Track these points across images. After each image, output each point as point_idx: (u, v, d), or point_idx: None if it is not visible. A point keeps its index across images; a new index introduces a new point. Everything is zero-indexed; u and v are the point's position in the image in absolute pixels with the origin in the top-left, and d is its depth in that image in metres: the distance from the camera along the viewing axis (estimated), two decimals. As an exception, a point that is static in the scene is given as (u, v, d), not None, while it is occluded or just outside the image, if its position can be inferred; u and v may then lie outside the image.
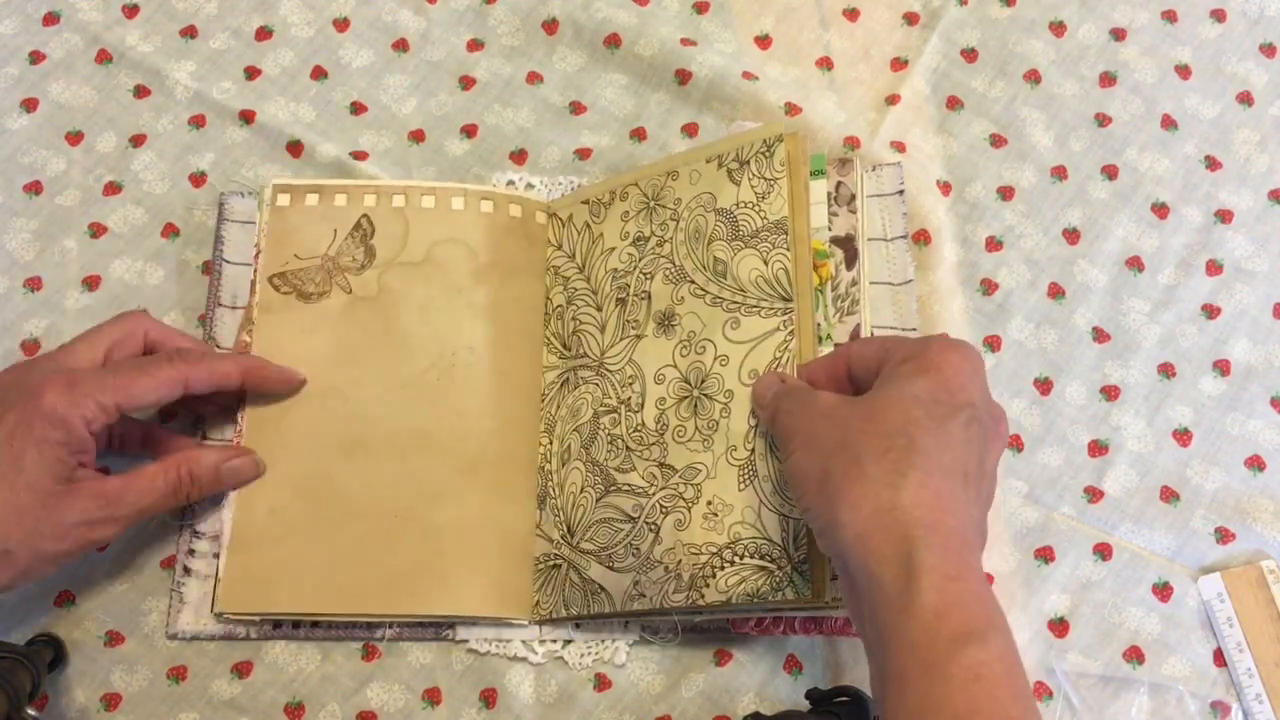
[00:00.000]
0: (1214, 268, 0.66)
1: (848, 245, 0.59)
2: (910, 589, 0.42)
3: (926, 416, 0.46)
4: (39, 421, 0.51)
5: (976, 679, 0.41)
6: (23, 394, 0.52)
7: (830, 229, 0.59)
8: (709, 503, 0.54)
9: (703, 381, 0.56)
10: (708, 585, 0.53)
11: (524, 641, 0.59)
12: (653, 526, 0.55)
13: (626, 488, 0.57)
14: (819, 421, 0.48)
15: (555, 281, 0.63)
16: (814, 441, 0.48)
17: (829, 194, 0.60)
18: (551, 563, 0.58)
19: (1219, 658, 0.60)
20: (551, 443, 0.60)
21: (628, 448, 0.57)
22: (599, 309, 0.61)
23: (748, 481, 0.54)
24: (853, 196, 0.59)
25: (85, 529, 0.53)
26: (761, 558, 0.52)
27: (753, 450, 0.54)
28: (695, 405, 0.56)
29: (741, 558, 0.53)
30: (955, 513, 0.44)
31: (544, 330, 0.63)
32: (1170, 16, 0.70)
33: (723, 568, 0.53)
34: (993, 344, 0.64)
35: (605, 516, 0.57)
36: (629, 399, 0.58)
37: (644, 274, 0.59)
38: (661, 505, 0.56)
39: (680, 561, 0.54)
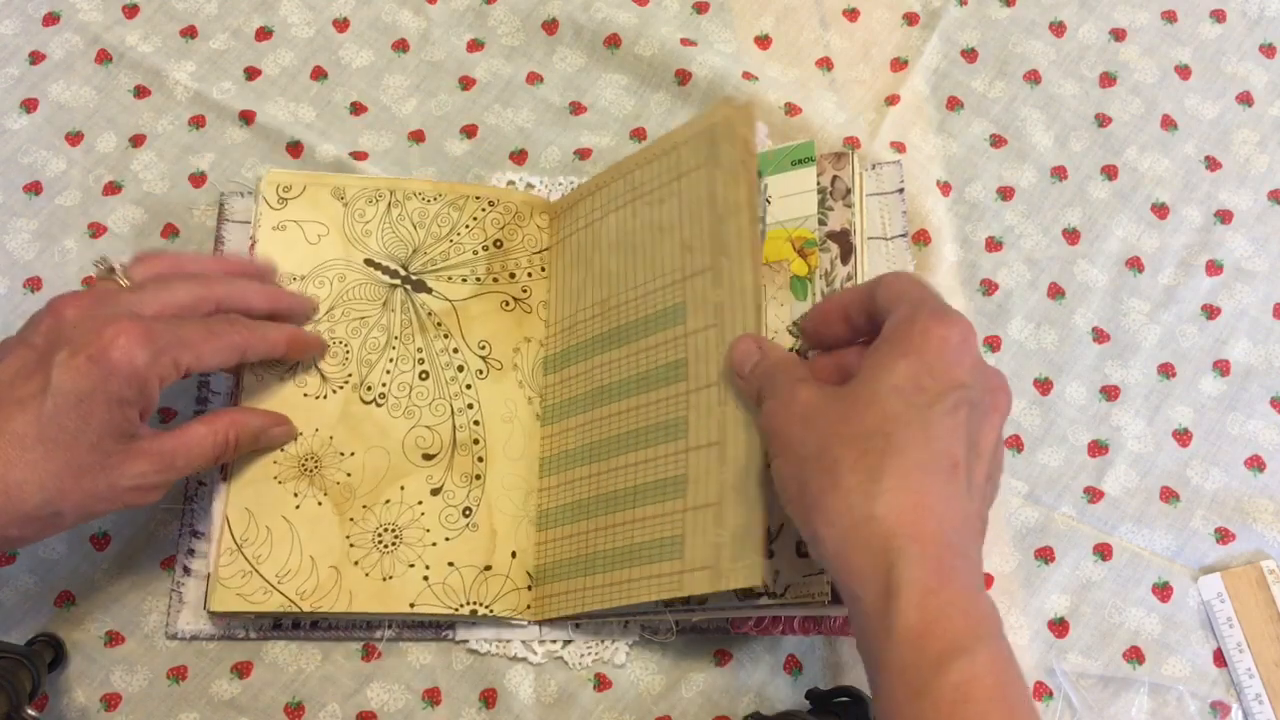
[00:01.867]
0: (1214, 268, 0.66)
1: (843, 240, 0.59)
2: (890, 610, 0.40)
3: (906, 408, 0.43)
4: (114, 378, 0.48)
5: (965, 699, 0.39)
6: (94, 335, 0.48)
7: (826, 223, 0.59)
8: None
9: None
10: None
11: (524, 641, 0.59)
12: None
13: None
14: (795, 426, 0.45)
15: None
16: (791, 448, 0.45)
17: (825, 189, 0.59)
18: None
19: (1219, 658, 0.60)
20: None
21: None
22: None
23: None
24: (848, 191, 0.59)
25: (136, 492, 0.51)
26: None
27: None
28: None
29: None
30: (937, 513, 0.42)
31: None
32: (1170, 16, 0.70)
33: None
34: (993, 344, 0.64)
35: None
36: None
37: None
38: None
39: None
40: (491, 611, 0.57)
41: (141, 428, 0.51)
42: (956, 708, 0.39)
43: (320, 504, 0.58)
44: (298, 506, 0.58)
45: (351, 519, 0.58)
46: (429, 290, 0.62)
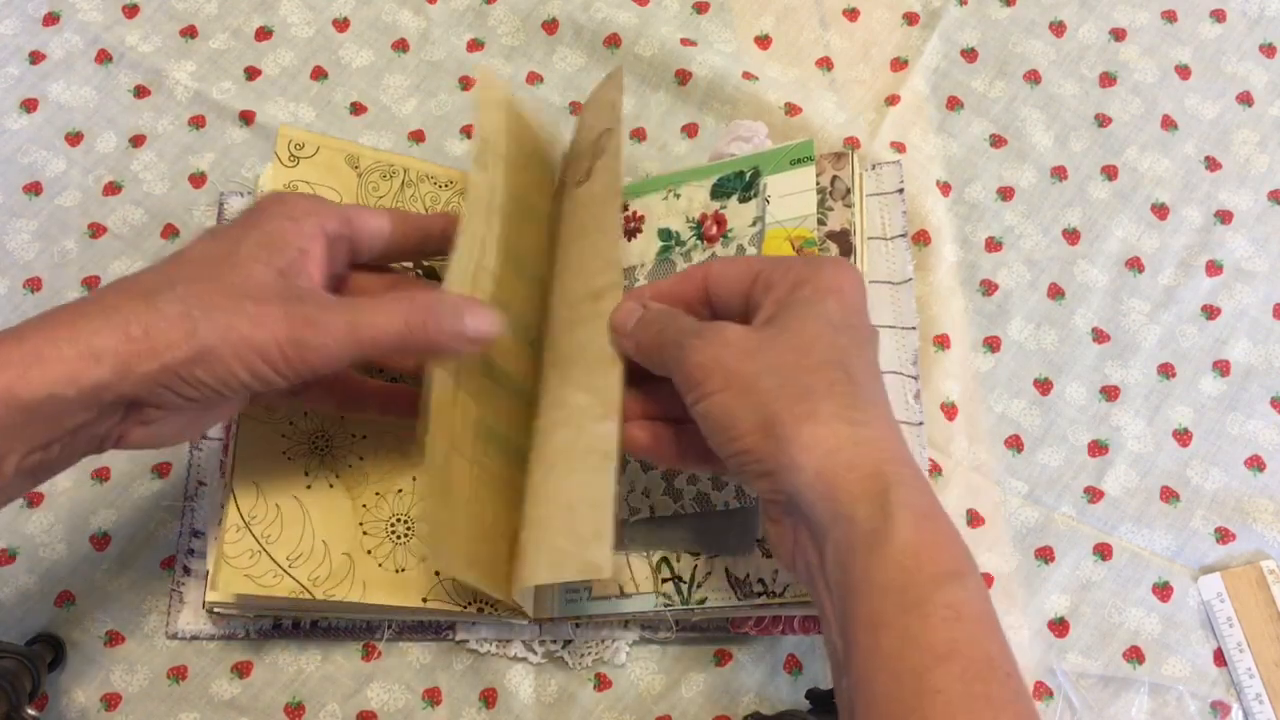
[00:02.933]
0: (1214, 268, 0.66)
1: (842, 240, 0.59)
2: (886, 528, 0.40)
3: (851, 342, 0.44)
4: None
5: (957, 618, 0.39)
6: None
7: (825, 223, 0.59)
8: None
9: None
10: None
11: (524, 641, 0.59)
12: None
13: None
14: (741, 360, 0.44)
15: None
16: (740, 382, 0.44)
17: (824, 189, 0.59)
18: None
19: (1219, 658, 0.60)
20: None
21: None
22: None
23: None
24: (848, 190, 0.59)
25: (309, 328, 0.45)
26: None
27: None
28: None
29: None
30: (904, 443, 0.43)
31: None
32: (1170, 16, 0.70)
33: None
34: (993, 344, 0.64)
35: None
36: None
37: None
38: None
39: None
40: (495, 611, 0.57)
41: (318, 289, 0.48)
42: (949, 624, 0.39)
43: (332, 486, 0.57)
44: (309, 486, 0.56)
45: (364, 505, 0.57)
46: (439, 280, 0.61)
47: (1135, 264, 0.66)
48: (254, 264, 0.46)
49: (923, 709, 0.38)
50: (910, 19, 0.71)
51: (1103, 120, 0.68)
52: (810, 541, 0.43)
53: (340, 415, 0.58)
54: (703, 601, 0.54)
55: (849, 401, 0.42)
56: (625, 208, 0.63)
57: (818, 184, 0.59)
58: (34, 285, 0.65)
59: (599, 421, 0.49)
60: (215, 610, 0.57)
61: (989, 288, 0.65)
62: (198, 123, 0.68)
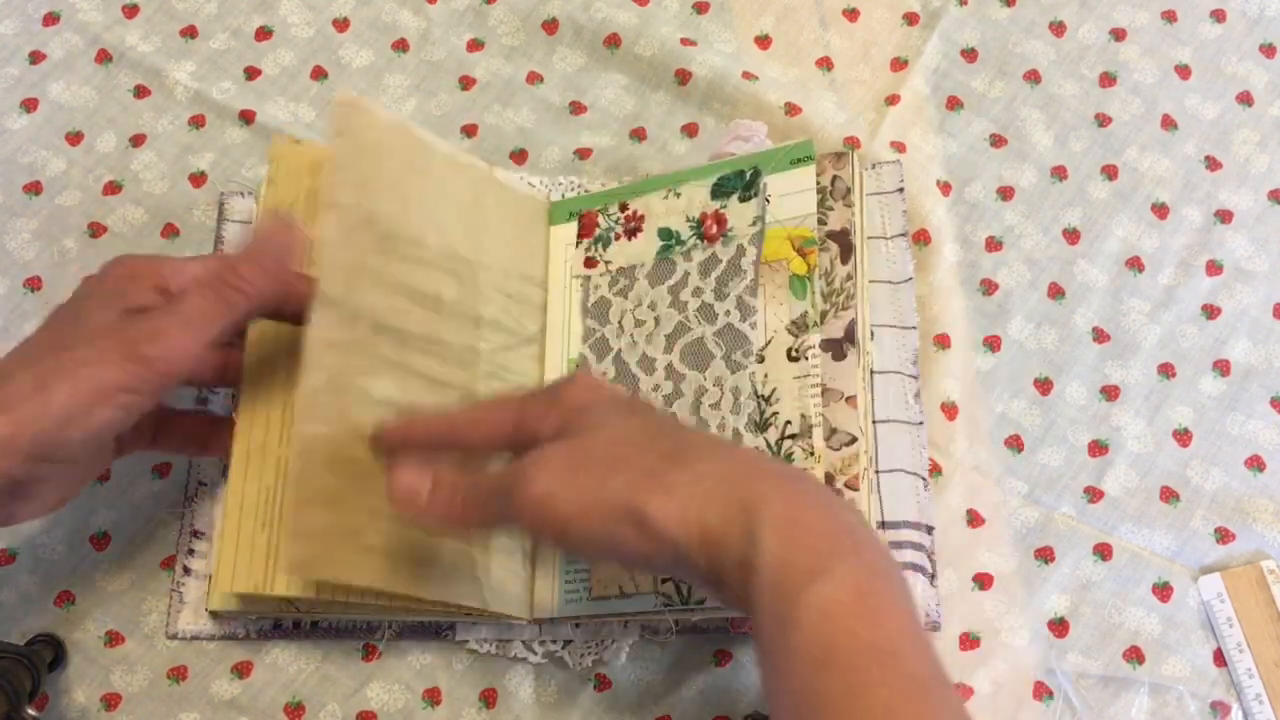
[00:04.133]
0: (1214, 268, 0.66)
1: (843, 240, 0.59)
2: (754, 551, 0.39)
3: (642, 420, 0.45)
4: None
5: (826, 618, 0.38)
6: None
7: (826, 223, 0.59)
8: None
9: None
10: None
11: (524, 641, 0.59)
12: None
13: None
14: (575, 473, 0.43)
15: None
16: (588, 495, 0.43)
17: (825, 188, 0.59)
18: None
19: (1219, 658, 0.60)
20: None
21: None
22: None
23: None
24: (848, 190, 0.59)
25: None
26: None
27: None
28: None
29: None
30: (762, 460, 0.44)
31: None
32: (1170, 16, 0.70)
33: None
34: (993, 344, 0.64)
35: None
36: None
37: None
38: None
39: None
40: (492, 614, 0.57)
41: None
42: (820, 629, 0.38)
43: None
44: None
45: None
46: None
47: (1135, 264, 0.66)
48: (95, 312, 0.50)
49: None
50: (910, 19, 0.71)
51: (1103, 120, 0.68)
52: (709, 588, 0.43)
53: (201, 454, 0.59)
54: (702, 601, 0.54)
55: (684, 456, 0.42)
56: (625, 207, 0.63)
57: (818, 184, 0.59)
58: (34, 285, 0.65)
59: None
60: (215, 611, 0.57)
61: (989, 287, 0.65)
62: (197, 122, 0.68)
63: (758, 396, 0.56)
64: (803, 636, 0.38)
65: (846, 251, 0.59)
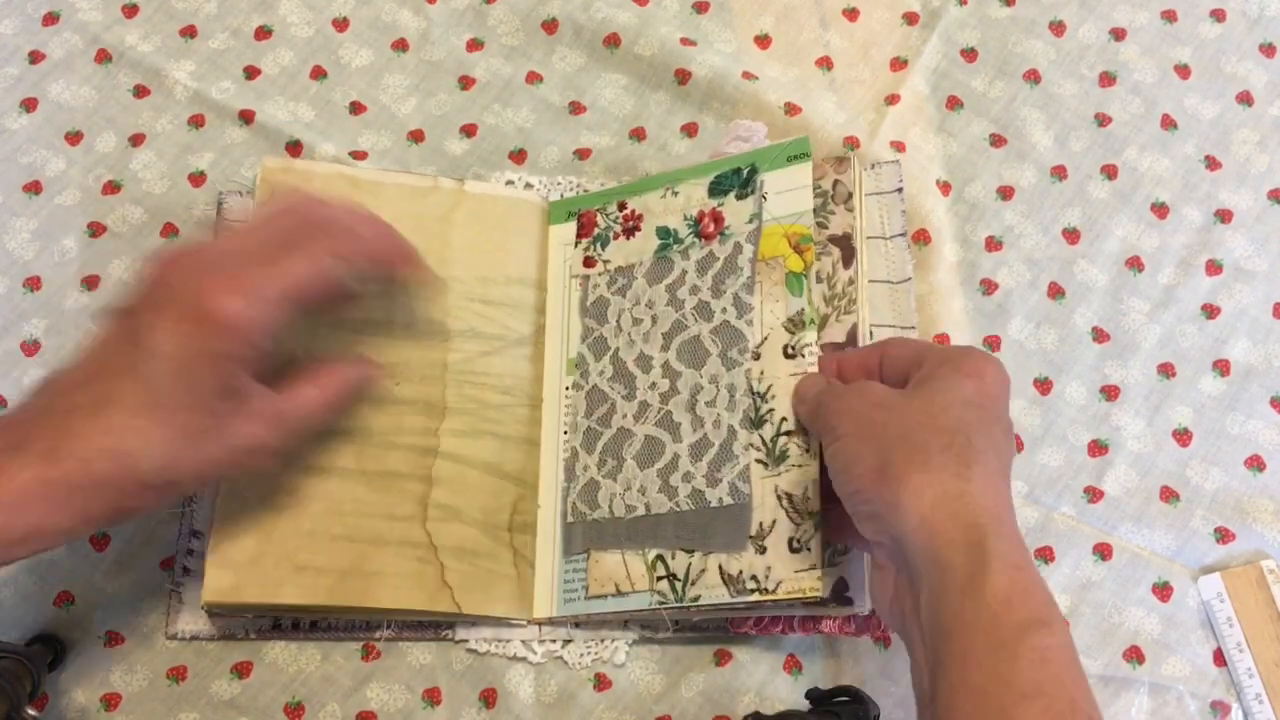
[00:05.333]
0: (1214, 268, 0.66)
1: (845, 244, 0.59)
2: (981, 574, 0.43)
3: (978, 419, 0.47)
4: (211, 335, 0.46)
5: (1043, 661, 0.42)
6: (184, 292, 0.46)
7: (828, 227, 0.59)
8: None
9: None
10: None
11: (524, 641, 0.59)
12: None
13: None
14: (874, 410, 0.48)
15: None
16: (869, 429, 0.48)
17: (826, 192, 0.59)
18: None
19: (1219, 658, 0.59)
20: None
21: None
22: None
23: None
24: (850, 195, 0.59)
25: (250, 455, 0.49)
26: None
27: None
28: None
29: None
30: (1011, 510, 0.46)
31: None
32: (1170, 16, 0.70)
33: None
34: (993, 344, 0.64)
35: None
36: None
37: None
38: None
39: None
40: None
41: (252, 385, 0.49)
42: (1035, 666, 0.42)
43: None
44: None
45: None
46: None
47: (1135, 263, 0.66)
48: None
49: None
50: (910, 19, 0.71)
51: (1103, 120, 0.68)
52: (908, 586, 0.47)
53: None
54: (697, 599, 0.54)
55: (963, 459, 0.46)
56: (623, 206, 0.63)
57: (819, 188, 0.59)
58: (34, 284, 0.65)
59: None
60: (214, 612, 0.57)
61: (989, 287, 0.65)
62: (197, 122, 0.68)
63: (753, 393, 0.56)
64: (1018, 668, 0.42)
65: (849, 256, 0.59)
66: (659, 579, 0.56)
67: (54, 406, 0.47)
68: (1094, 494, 0.62)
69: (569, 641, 0.59)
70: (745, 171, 0.60)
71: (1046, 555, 0.61)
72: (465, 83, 0.69)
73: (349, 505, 0.56)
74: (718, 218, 0.60)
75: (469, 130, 0.68)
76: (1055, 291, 0.65)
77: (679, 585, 0.55)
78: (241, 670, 0.59)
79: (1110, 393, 0.64)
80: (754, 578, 0.53)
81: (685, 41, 0.69)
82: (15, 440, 0.46)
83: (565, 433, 0.60)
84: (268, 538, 0.55)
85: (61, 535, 0.46)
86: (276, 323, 0.48)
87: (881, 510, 0.46)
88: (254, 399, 0.49)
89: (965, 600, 0.43)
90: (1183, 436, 0.63)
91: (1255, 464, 0.63)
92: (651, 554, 0.56)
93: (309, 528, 0.54)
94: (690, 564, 0.55)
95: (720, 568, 0.54)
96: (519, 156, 0.68)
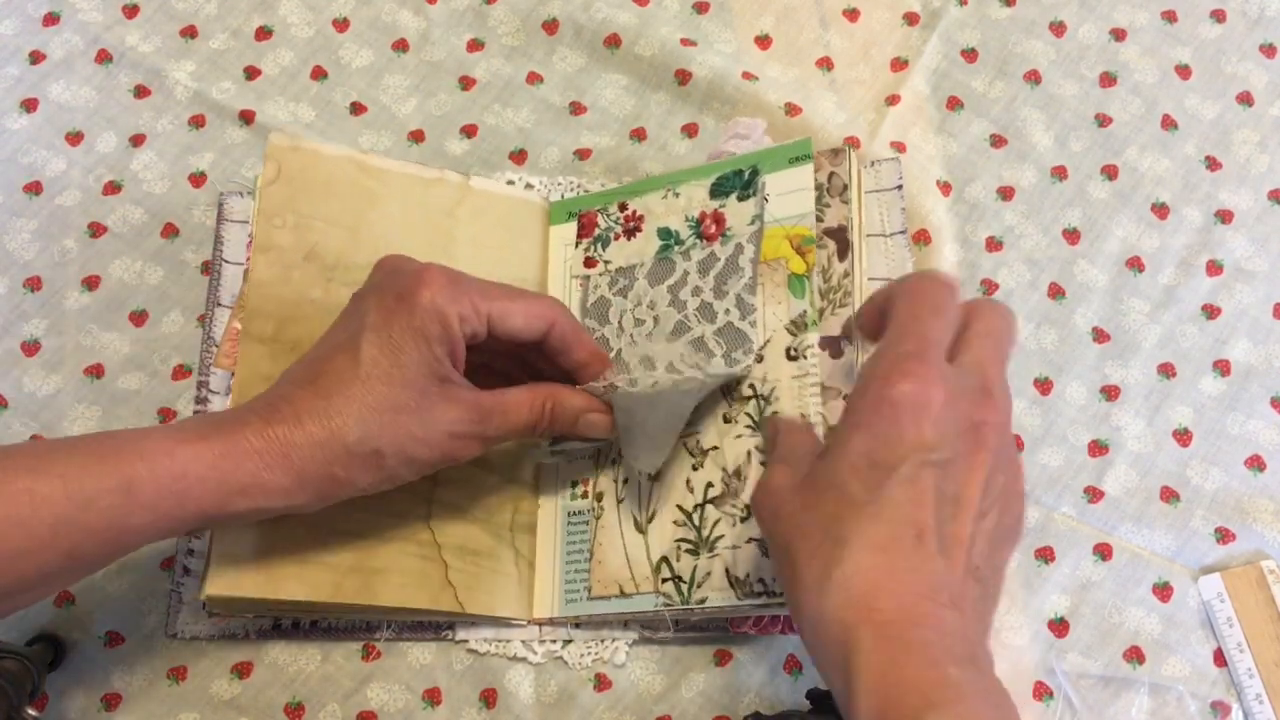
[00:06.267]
0: (1214, 268, 0.66)
1: (840, 236, 0.59)
2: (853, 698, 0.40)
3: (862, 488, 0.42)
4: (417, 313, 0.49)
5: None
6: (404, 278, 0.51)
7: (823, 219, 0.59)
8: None
9: None
10: None
11: (524, 641, 0.59)
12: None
13: None
14: (766, 517, 0.46)
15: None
16: (769, 538, 0.46)
17: (821, 185, 0.59)
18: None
19: (1219, 658, 0.60)
20: None
21: None
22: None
23: None
24: (845, 187, 0.59)
25: (453, 441, 0.51)
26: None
27: None
28: None
29: None
30: (896, 590, 0.41)
31: None
32: (1170, 16, 0.70)
33: None
34: (993, 344, 0.64)
35: None
36: None
37: None
38: None
39: None
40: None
41: (455, 374, 0.51)
42: None
43: None
44: None
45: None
46: None
47: (1135, 264, 0.66)
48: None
49: None
50: (910, 19, 0.71)
51: (1103, 120, 0.68)
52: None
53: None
54: (703, 601, 0.54)
55: (826, 568, 0.42)
56: (624, 207, 0.63)
57: (815, 180, 0.59)
58: (34, 285, 0.65)
59: None
60: (214, 611, 0.57)
61: (989, 287, 0.65)
62: (197, 122, 0.68)
63: (756, 395, 0.56)
64: None
65: (844, 249, 0.58)
66: (664, 581, 0.55)
67: (284, 378, 0.51)
68: (1094, 494, 0.62)
69: (569, 642, 0.59)
70: (747, 173, 0.60)
71: (1047, 555, 0.61)
72: (466, 83, 0.69)
73: (354, 500, 0.56)
74: (719, 219, 0.60)
75: (469, 130, 0.68)
76: (1055, 292, 0.65)
77: (684, 587, 0.55)
78: (242, 670, 0.59)
79: (1110, 393, 0.64)
80: (761, 580, 0.53)
81: (685, 42, 0.69)
82: (247, 408, 0.50)
83: None
84: (273, 532, 0.54)
85: (280, 494, 0.49)
86: (476, 328, 0.51)
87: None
88: (458, 387, 0.51)
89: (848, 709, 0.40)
90: (1183, 437, 0.63)
91: (1255, 464, 0.63)
92: (656, 556, 0.56)
93: (313, 522, 0.54)
94: (696, 566, 0.55)
95: (726, 570, 0.54)
96: (519, 157, 0.68)
